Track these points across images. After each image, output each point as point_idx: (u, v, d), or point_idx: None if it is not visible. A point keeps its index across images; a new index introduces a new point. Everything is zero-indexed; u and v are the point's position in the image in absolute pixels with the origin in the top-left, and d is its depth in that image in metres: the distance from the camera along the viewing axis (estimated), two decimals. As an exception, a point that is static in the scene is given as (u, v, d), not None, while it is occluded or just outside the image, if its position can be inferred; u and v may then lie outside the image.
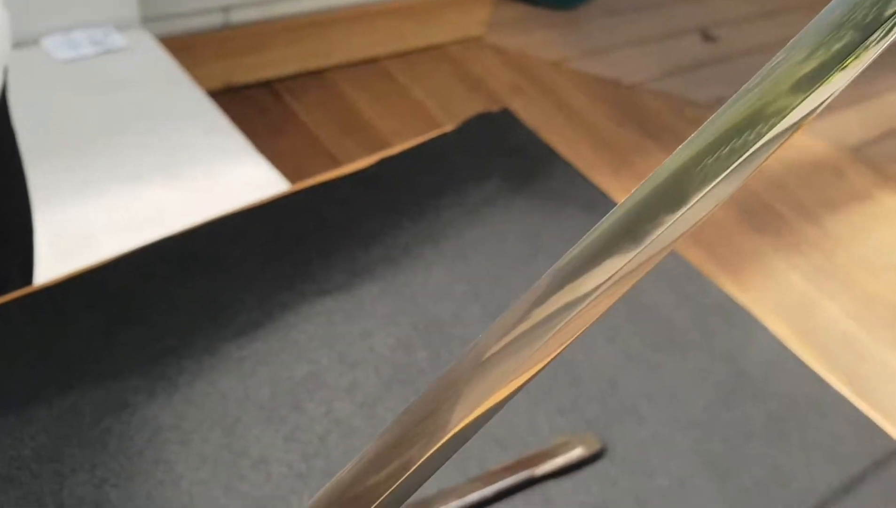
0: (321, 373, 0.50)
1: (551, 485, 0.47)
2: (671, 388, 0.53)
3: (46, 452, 0.43)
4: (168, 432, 0.45)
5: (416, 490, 0.22)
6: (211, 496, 0.43)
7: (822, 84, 0.17)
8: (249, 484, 0.44)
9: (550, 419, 0.50)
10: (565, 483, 0.47)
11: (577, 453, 0.48)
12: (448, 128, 0.69)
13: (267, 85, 1.60)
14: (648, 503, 0.47)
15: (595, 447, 0.48)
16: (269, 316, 0.52)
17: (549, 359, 0.21)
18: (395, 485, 0.21)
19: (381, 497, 0.21)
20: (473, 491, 0.45)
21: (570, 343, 0.21)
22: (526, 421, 0.50)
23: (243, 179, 0.98)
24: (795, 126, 0.18)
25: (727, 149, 0.18)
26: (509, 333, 0.20)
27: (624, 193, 0.26)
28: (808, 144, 1.83)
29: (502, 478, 0.46)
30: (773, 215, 1.65)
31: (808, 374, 0.56)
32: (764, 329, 0.58)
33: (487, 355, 0.21)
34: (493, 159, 0.67)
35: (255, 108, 1.55)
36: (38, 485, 0.42)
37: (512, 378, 0.21)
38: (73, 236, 0.87)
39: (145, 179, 0.96)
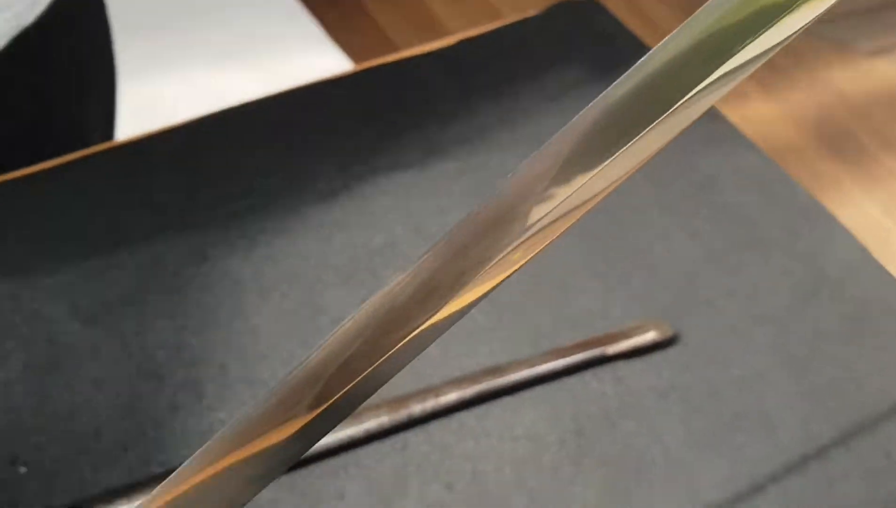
0: (397, 243, 0.50)
1: (622, 365, 0.47)
2: (750, 285, 0.52)
3: (130, 297, 0.44)
4: (247, 286, 0.46)
5: (451, 325, 0.21)
6: (288, 348, 0.43)
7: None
8: (325, 341, 0.44)
9: (624, 305, 0.50)
10: (636, 364, 0.47)
11: (650, 336, 0.47)
12: (531, 13, 0.67)
13: (340, -20, 1.58)
14: (722, 391, 0.47)
15: (668, 332, 0.48)
16: (347, 186, 0.52)
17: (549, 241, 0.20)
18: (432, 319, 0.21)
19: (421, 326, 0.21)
20: (545, 363, 0.45)
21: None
22: (599, 306, 0.49)
23: (318, 67, 0.98)
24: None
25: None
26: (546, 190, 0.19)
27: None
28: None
29: (574, 353, 0.45)
30: (855, 144, 1.58)
31: (888, 280, 0.55)
32: (847, 234, 0.56)
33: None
34: (576, 47, 0.65)
35: (327, 2, 1.53)
36: (122, 326, 0.43)
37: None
38: (151, 107, 0.88)
39: (221, 60, 0.97)
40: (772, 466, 0.44)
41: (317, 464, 0.39)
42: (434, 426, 0.42)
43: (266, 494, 0.39)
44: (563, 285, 0.50)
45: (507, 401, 0.44)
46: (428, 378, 0.44)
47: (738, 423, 0.45)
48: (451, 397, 0.42)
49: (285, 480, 0.39)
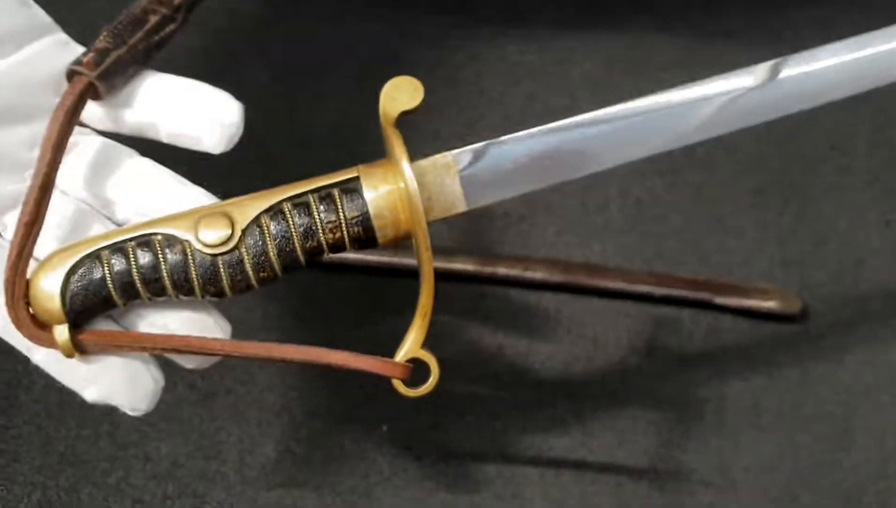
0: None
1: (727, 319, 0.45)
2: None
3: None
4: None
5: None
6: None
7: None
8: None
9: (770, 264, 0.47)
10: (742, 324, 0.45)
11: (769, 304, 0.45)
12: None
13: None
14: (834, 398, 0.44)
15: (792, 309, 0.45)
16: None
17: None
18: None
19: None
20: (645, 283, 0.45)
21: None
22: (744, 253, 0.47)
23: None
24: None
25: None
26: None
27: None
28: None
29: (680, 286, 0.45)
30: None
31: None
32: None
33: None
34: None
35: None
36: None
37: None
38: None
39: None
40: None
41: (396, 279, 0.44)
42: (514, 293, 0.45)
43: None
44: (721, 216, 0.48)
45: (589, 301, 0.45)
46: (529, 249, 0.46)
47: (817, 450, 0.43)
48: (537, 274, 0.44)
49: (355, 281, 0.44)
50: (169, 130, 0.30)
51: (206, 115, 0.29)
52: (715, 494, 0.41)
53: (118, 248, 0.28)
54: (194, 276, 0.27)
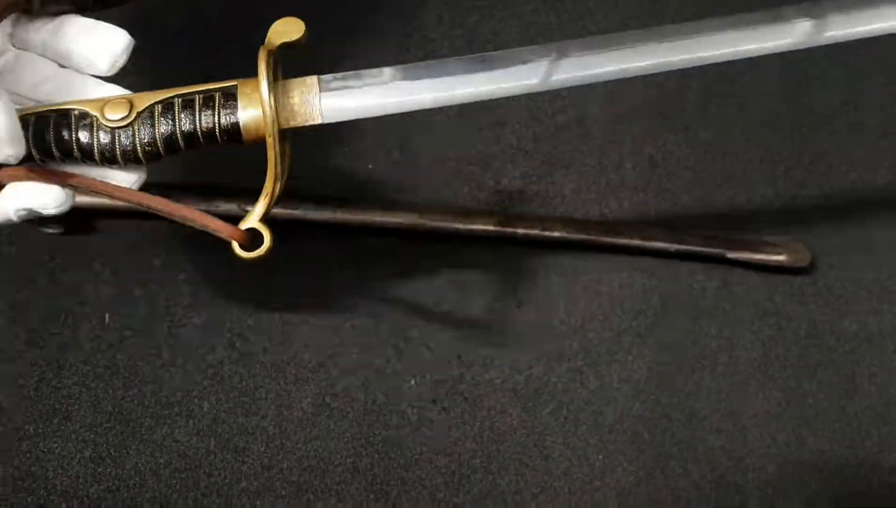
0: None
1: (737, 272, 0.47)
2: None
3: None
4: None
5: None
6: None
7: None
8: None
9: (780, 218, 0.48)
10: (752, 277, 0.47)
11: (778, 257, 0.46)
12: None
13: None
14: (840, 347, 0.46)
15: (802, 262, 0.47)
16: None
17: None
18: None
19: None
20: (660, 240, 0.46)
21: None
22: (753, 207, 0.49)
23: None
24: None
25: None
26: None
27: None
28: None
29: (692, 242, 0.46)
30: None
31: None
32: None
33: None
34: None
35: None
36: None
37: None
38: None
39: None
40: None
41: (409, 243, 0.45)
42: (533, 251, 0.47)
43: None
44: (732, 172, 0.49)
45: (606, 258, 0.47)
46: (548, 207, 0.47)
47: (821, 388, 0.45)
48: (556, 233, 0.46)
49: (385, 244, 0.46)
50: (77, 56, 0.36)
51: (99, 43, 0.36)
52: (725, 439, 0.44)
53: (42, 115, 0.35)
54: (95, 143, 0.34)
